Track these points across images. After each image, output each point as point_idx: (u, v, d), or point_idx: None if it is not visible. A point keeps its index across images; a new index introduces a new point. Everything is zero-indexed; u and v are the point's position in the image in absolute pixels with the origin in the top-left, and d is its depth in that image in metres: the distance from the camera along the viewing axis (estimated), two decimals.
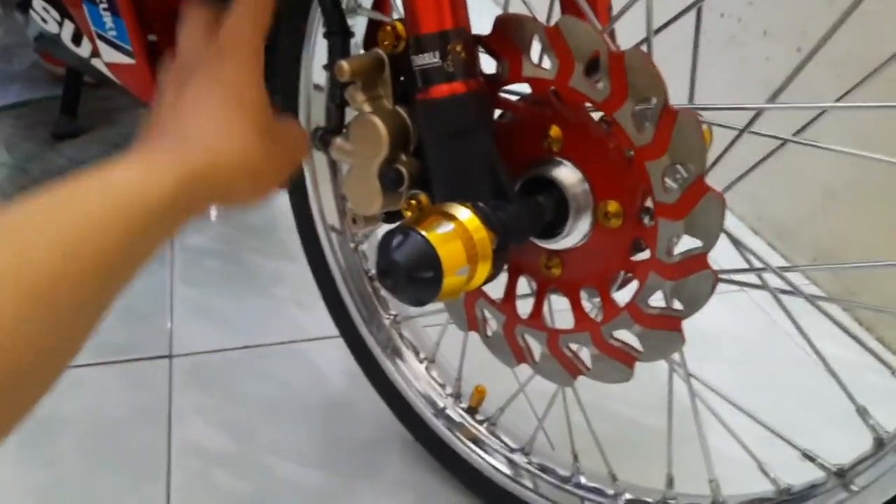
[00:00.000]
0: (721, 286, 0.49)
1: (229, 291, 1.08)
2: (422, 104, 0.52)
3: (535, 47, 0.52)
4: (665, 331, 0.52)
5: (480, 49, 0.53)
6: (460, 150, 0.52)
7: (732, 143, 0.50)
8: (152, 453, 0.82)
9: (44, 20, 0.98)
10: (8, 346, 0.33)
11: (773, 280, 0.53)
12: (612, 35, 0.64)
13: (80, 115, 1.45)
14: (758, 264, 0.53)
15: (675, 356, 0.57)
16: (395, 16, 0.62)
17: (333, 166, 0.78)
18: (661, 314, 0.52)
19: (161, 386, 0.91)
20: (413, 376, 0.80)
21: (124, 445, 0.83)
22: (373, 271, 0.81)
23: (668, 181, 0.48)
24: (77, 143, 1.42)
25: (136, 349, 0.96)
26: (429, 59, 0.50)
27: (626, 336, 0.54)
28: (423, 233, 0.46)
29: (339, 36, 0.61)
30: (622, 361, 0.55)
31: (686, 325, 0.51)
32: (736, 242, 0.52)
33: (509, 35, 0.52)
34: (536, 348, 0.60)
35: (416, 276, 0.45)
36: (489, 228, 0.48)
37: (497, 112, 0.57)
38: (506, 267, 0.59)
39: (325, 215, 0.79)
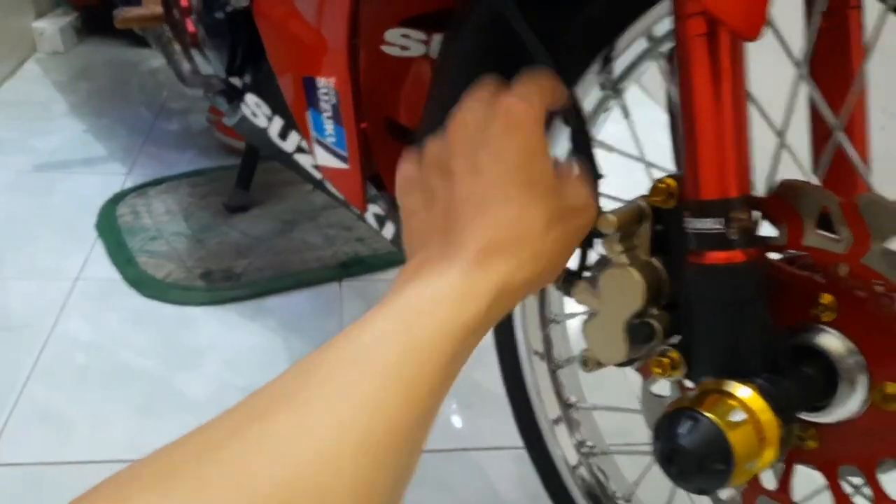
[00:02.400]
0: None
1: None
2: (694, 268, 0.50)
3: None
4: None
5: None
6: (733, 320, 0.50)
7: None
8: None
9: (254, 114, 1.02)
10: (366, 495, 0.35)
11: None
12: None
13: (251, 188, 1.50)
14: None
15: None
16: None
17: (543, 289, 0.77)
18: None
19: None
20: None
21: None
22: (571, 398, 0.79)
23: None
24: (249, 216, 1.47)
25: None
26: (710, 224, 0.49)
27: None
28: (713, 418, 0.43)
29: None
30: None
31: None
32: None
33: (792, 201, 0.50)
34: None
35: (705, 468, 0.43)
36: (775, 412, 0.45)
37: None
38: None
39: (530, 339, 0.78)
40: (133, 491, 0.30)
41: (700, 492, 0.44)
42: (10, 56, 2.14)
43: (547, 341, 0.78)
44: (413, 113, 0.85)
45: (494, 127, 0.47)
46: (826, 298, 0.50)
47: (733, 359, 0.49)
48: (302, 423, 0.34)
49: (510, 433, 0.82)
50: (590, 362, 0.61)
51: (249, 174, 1.49)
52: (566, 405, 0.79)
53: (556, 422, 0.79)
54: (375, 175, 0.91)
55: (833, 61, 0.56)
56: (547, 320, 0.78)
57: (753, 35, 0.43)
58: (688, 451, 0.43)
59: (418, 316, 0.41)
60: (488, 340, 1.06)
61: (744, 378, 0.46)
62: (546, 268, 0.48)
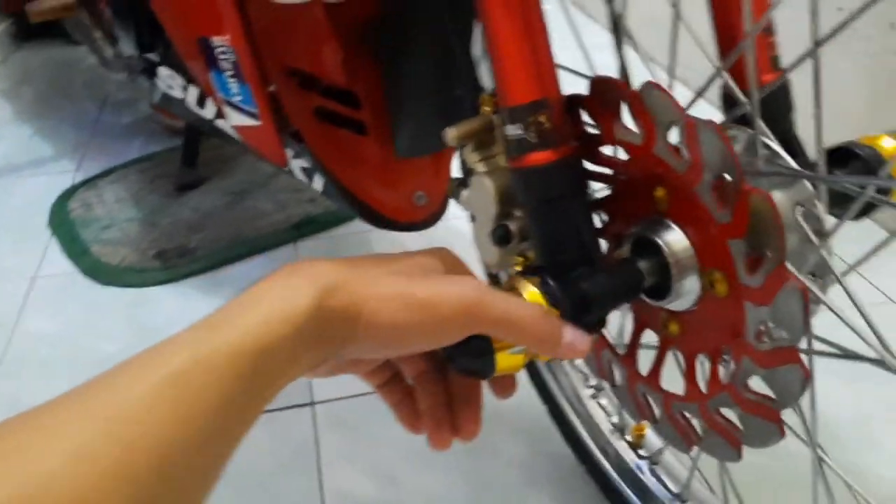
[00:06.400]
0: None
1: None
2: (512, 171, 0.52)
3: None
4: (762, 419, 0.49)
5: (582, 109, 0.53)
6: (549, 217, 0.52)
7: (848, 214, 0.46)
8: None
9: (169, 86, 1.02)
10: None
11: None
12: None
13: (198, 166, 1.51)
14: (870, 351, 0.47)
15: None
16: None
17: None
18: (758, 401, 0.49)
19: (307, 435, 0.93)
20: (577, 398, 0.80)
21: (277, 497, 0.85)
22: None
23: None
24: (199, 192, 1.48)
25: (278, 399, 0.98)
26: (513, 130, 0.50)
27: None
28: None
29: (469, 93, 0.62)
30: (728, 441, 0.52)
31: None
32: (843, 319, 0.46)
33: (602, 97, 0.51)
34: (656, 408, 0.58)
35: (466, 352, 0.45)
36: (551, 304, 0.47)
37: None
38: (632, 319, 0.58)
39: None
40: None
41: (471, 375, 0.46)
42: None
43: None
44: (317, 61, 0.85)
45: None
46: (660, 191, 0.51)
47: (549, 253, 0.52)
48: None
49: None
50: (487, 266, 0.63)
51: (194, 151, 1.49)
52: None
53: None
54: (296, 131, 0.91)
55: None
56: None
57: None
58: None
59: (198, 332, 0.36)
60: None
61: (554, 271, 0.48)
62: (415, 311, 0.41)
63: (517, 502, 0.83)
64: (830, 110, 0.48)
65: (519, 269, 0.58)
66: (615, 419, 0.78)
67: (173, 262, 1.27)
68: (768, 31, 0.58)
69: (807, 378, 0.45)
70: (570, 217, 0.51)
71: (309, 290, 0.38)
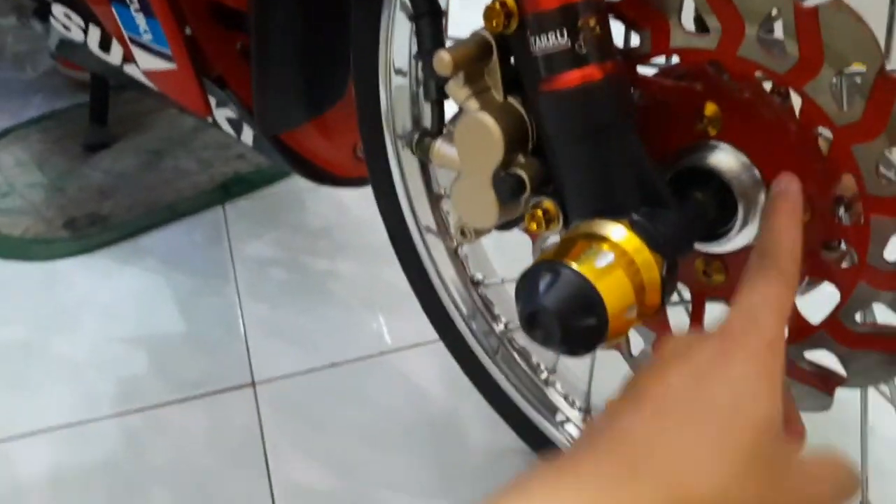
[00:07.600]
0: None
1: (302, 303, 0.99)
2: (547, 97, 0.42)
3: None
4: (880, 353, 0.42)
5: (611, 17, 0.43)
6: (599, 150, 0.42)
7: None
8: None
9: (66, 27, 0.88)
10: None
11: None
12: None
13: (109, 122, 1.36)
14: None
15: None
16: None
17: None
18: (876, 333, 0.42)
19: (250, 418, 0.83)
20: (530, 387, 0.71)
21: (220, 495, 0.75)
22: (477, 276, 0.71)
23: (885, 169, 0.38)
24: (111, 153, 1.33)
25: (214, 380, 0.88)
26: (554, 40, 0.41)
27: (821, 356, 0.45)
28: (576, 267, 0.36)
29: (429, 17, 0.51)
30: (818, 388, 0.45)
31: None
32: None
33: None
34: None
35: (573, 325, 0.36)
36: (654, 249, 0.38)
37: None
38: None
39: (419, 216, 0.69)
40: None
41: (574, 353, 0.38)
42: None
43: (439, 219, 0.70)
44: None
45: (712, 344, 0.35)
46: (709, 109, 0.44)
47: (604, 195, 0.42)
48: None
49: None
50: (466, 231, 0.53)
51: (103, 106, 1.34)
52: (474, 285, 0.72)
53: (465, 304, 0.72)
54: (219, 76, 0.79)
55: None
56: (436, 196, 0.70)
57: None
58: (549, 308, 0.37)
59: None
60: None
61: (617, 216, 0.39)
62: None
63: (487, 489, 0.75)
64: None
65: (535, 226, 0.48)
66: (580, 404, 0.70)
67: (84, 231, 1.13)
68: None
69: None
70: (626, 148, 0.42)
71: None
